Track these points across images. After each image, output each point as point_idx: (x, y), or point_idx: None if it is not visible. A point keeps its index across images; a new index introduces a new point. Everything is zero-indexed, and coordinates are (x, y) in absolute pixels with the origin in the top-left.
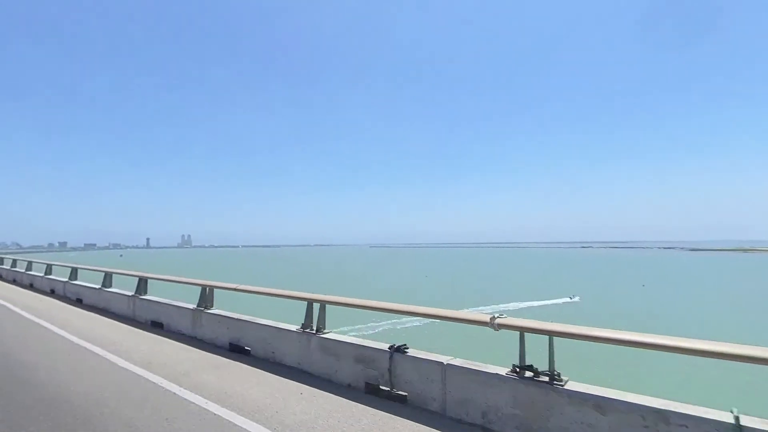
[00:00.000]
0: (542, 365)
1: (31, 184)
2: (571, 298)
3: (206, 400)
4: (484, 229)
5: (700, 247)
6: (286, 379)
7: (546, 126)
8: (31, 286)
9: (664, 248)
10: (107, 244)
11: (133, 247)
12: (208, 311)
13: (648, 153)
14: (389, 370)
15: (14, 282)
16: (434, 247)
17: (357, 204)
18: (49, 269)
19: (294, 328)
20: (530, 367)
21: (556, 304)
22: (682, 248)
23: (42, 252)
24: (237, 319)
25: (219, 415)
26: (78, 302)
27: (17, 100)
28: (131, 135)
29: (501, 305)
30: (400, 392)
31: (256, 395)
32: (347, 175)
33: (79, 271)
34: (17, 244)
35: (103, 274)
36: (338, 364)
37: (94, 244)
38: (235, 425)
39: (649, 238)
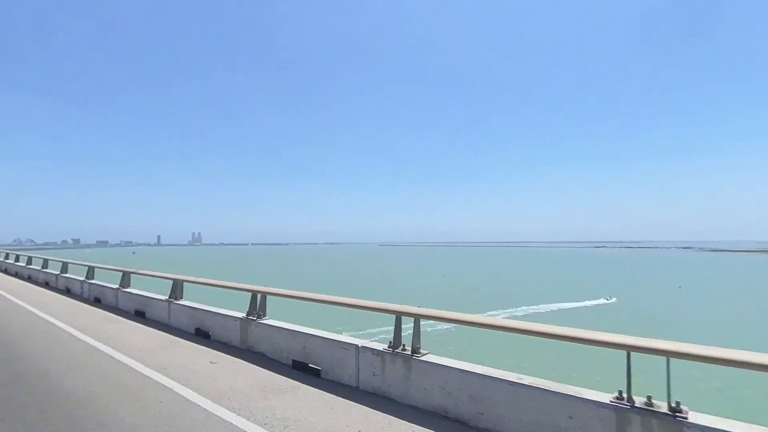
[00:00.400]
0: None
1: (45, 182)
2: (607, 300)
3: None
4: (488, 229)
5: (720, 248)
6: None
7: (553, 126)
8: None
9: (683, 248)
10: (119, 242)
11: (144, 244)
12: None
13: (655, 153)
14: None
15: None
16: (441, 246)
17: (364, 203)
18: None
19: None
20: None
21: (590, 306)
22: (701, 249)
23: (55, 249)
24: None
25: None
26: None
27: (31, 97)
28: (142, 134)
29: (531, 307)
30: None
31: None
32: (354, 174)
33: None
34: (32, 241)
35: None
36: None
37: (107, 242)
38: None
39: (660, 238)
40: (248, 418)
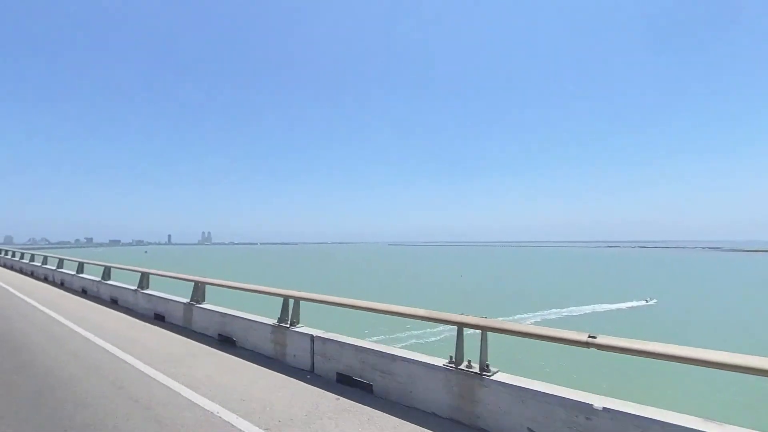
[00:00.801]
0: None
1: (59, 183)
2: (646, 301)
3: None
4: (495, 228)
5: (743, 248)
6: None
7: (562, 128)
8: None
9: (709, 248)
10: (131, 240)
11: (155, 243)
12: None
13: (665, 153)
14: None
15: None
16: (450, 245)
17: (372, 203)
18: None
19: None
20: None
21: (628, 309)
22: (731, 249)
23: (69, 248)
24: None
25: None
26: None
27: (45, 101)
28: (153, 136)
29: (563, 310)
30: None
31: None
32: (362, 174)
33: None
34: (46, 240)
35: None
36: None
37: (119, 241)
38: None
39: (673, 238)
40: None
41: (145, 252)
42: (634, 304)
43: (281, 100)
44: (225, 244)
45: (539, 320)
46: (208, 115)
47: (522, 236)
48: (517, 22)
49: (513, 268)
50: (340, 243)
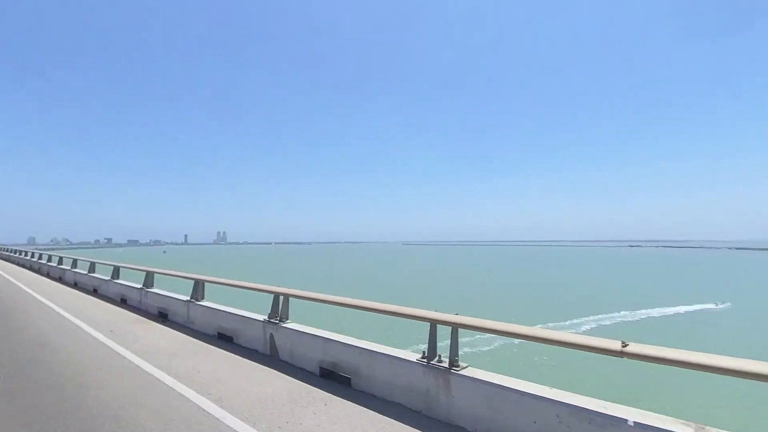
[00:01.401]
0: None
1: (80, 185)
2: (716, 305)
3: None
4: (507, 227)
5: None
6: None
7: (574, 127)
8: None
9: (736, 248)
10: (148, 240)
11: (172, 243)
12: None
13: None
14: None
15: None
16: (464, 244)
17: (385, 203)
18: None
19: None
20: None
21: (695, 312)
22: (758, 248)
23: (89, 248)
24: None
25: None
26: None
27: (64, 105)
28: (169, 138)
29: (615, 315)
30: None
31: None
32: (376, 174)
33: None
34: (67, 241)
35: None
36: None
37: (137, 241)
38: None
39: (691, 238)
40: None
41: (164, 252)
42: (699, 307)
43: (295, 100)
44: (239, 243)
45: (593, 327)
46: (222, 118)
47: (536, 236)
48: (532, 19)
49: (541, 268)
50: (353, 242)
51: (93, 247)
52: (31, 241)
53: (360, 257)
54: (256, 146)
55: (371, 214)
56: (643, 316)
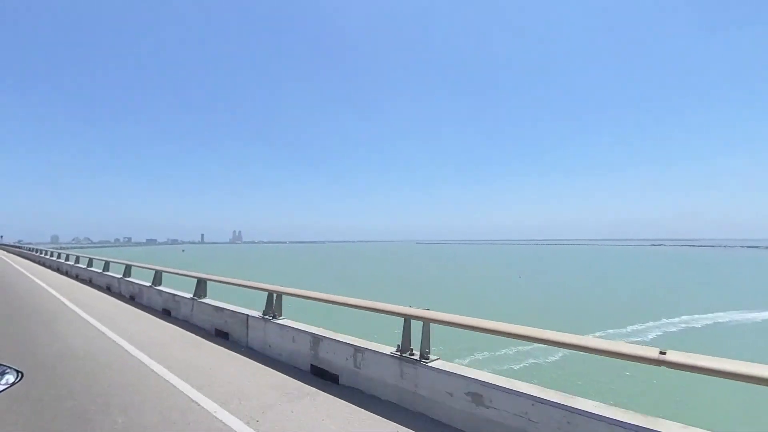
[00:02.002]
0: None
1: (101, 185)
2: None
3: None
4: (524, 226)
5: None
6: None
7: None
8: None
9: (747, 247)
10: (166, 240)
11: (189, 242)
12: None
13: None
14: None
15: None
16: (480, 243)
17: (397, 202)
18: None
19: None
20: None
21: (745, 318)
22: None
23: (109, 247)
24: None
25: None
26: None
27: (85, 108)
28: (186, 140)
29: (676, 319)
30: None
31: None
32: (389, 173)
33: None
34: (89, 239)
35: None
36: None
37: (155, 240)
38: None
39: (712, 236)
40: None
41: (183, 251)
42: (755, 315)
43: (310, 101)
44: (254, 242)
45: (660, 334)
46: (237, 120)
47: (551, 234)
48: (549, 20)
49: (570, 268)
50: (366, 241)
51: (113, 246)
52: (54, 239)
53: (377, 256)
54: (271, 147)
55: (384, 213)
56: (708, 322)
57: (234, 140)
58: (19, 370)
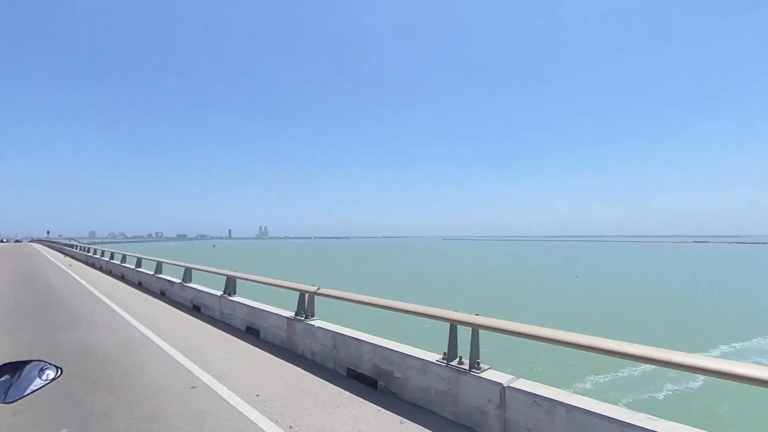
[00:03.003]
0: None
1: (135, 184)
2: None
3: None
4: (552, 222)
5: None
6: None
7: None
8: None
9: None
10: (195, 235)
11: (217, 237)
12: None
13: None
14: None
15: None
16: (509, 240)
17: (422, 198)
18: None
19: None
20: None
21: None
22: None
23: (142, 242)
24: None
25: None
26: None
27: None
28: (215, 140)
29: None
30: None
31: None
32: (414, 170)
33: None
34: (123, 235)
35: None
36: None
37: (185, 235)
38: None
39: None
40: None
41: (213, 246)
42: None
43: (338, 101)
44: (280, 238)
45: None
46: (266, 118)
47: (584, 231)
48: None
49: (626, 266)
50: (391, 237)
51: (146, 241)
52: (92, 234)
53: (409, 253)
54: (297, 145)
55: (410, 209)
56: None
57: (260, 139)
58: (59, 366)
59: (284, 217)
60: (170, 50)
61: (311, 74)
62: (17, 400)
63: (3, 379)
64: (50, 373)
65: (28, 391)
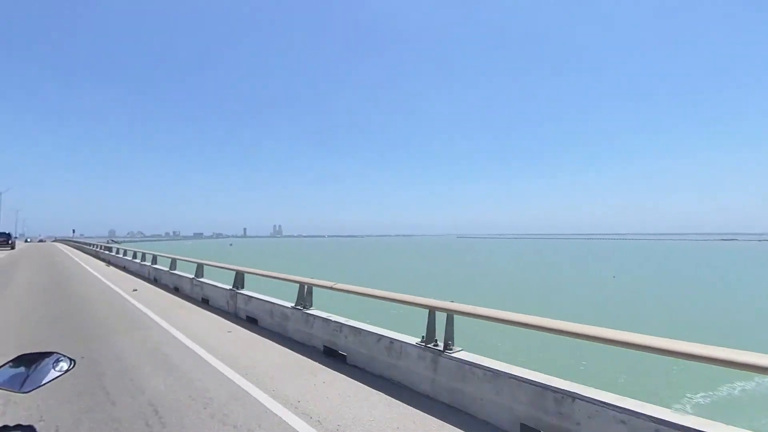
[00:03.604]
0: None
1: (152, 183)
2: None
3: None
4: (565, 220)
5: None
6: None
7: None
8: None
9: None
10: (211, 234)
11: (232, 236)
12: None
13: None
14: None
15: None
16: (525, 237)
17: (434, 196)
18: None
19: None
20: None
21: None
22: None
23: (160, 241)
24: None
25: None
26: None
27: (137, 112)
28: (231, 139)
29: None
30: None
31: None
32: (427, 167)
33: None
34: (141, 233)
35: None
36: None
37: (201, 233)
38: None
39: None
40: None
41: (230, 245)
42: None
43: (350, 98)
44: (294, 236)
45: None
46: (280, 118)
47: (601, 229)
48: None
49: (658, 264)
50: (405, 235)
51: (164, 240)
52: (111, 233)
53: (434, 252)
54: (311, 143)
55: (424, 207)
56: None
57: (273, 140)
58: (72, 358)
59: (298, 216)
60: (189, 52)
61: (323, 73)
62: (33, 390)
63: (20, 369)
64: (64, 365)
65: (43, 382)
